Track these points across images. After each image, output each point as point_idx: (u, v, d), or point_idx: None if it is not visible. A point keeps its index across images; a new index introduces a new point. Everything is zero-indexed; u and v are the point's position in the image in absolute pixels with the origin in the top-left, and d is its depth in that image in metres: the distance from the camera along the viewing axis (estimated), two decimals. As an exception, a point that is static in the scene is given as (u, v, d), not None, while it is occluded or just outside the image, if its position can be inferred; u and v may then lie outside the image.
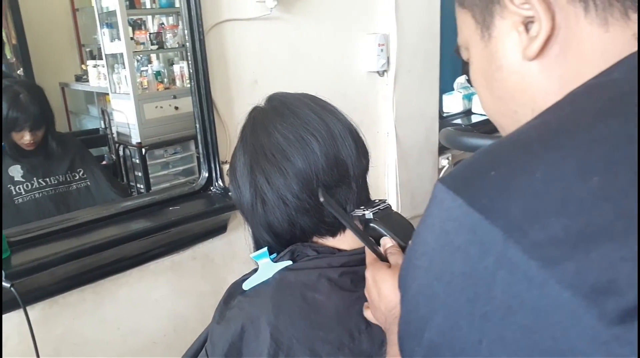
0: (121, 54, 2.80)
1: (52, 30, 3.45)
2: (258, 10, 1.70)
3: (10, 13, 3.06)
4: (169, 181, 2.81)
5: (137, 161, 2.72)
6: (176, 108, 2.87)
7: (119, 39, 2.79)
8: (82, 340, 1.49)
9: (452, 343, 0.36)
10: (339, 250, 0.77)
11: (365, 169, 0.79)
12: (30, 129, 1.86)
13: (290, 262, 0.76)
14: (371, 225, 0.73)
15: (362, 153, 0.78)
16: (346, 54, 2.06)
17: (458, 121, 2.61)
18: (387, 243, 0.67)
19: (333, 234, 0.78)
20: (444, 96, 2.65)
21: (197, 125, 1.61)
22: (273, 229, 0.77)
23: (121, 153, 2.78)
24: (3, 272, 1.08)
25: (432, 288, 0.38)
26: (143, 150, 2.69)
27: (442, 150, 2.45)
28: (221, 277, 1.79)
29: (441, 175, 2.48)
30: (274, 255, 0.79)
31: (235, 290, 0.78)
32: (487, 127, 2.62)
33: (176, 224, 1.52)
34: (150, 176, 2.69)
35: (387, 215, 0.71)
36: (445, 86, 2.63)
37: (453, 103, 2.69)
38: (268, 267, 0.76)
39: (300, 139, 0.74)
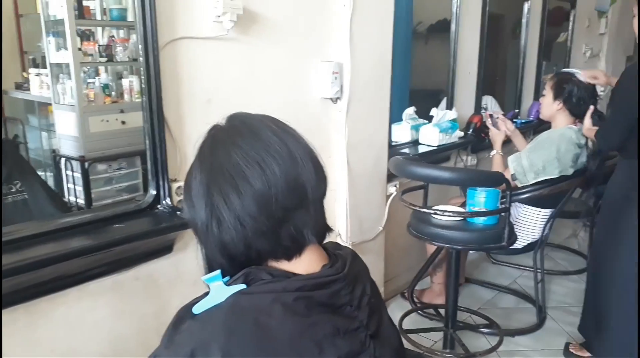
0: (67, 64, 2.71)
1: (-7, 35, 3.29)
2: (215, 30, 1.70)
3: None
4: (112, 198, 2.71)
5: (79, 175, 2.61)
6: (123, 122, 2.79)
7: (66, 48, 2.70)
8: (11, 364, 1.40)
9: None
10: (294, 274, 0.77)
11: (323, 193, 0.79)
12: (-37, 138, 1.76)
13: (244, 286, 0.74)
14: None
15: (321, 177, 0.79)
16: (301, 80, 2.08)
17: (406, 150, 2.69)
18: None
19: (289, 258, 0.77)
20: (393, 126, 2.73)
21: (147, 141, 1.57)
22: (228, 251, 0.76)
23: (62, 166, 2.67)
24: None
25: None
26: (86, 164, 2.59)
27: (390, 177, 2.51)
28: (165, 299, 1.73)
29: (389, 202, 2.53)
30: (227, 278, 0.77)
31: (185, 314, 0.76)
32: (433, 158, 2.71)
33: (120, 243, 1.47)
34: (92, 191, 2.59)
35: None
36: (394, 116, 2.71)
37: (401, 133, 2.77)
38: (220, 290, 0.75)
39: (261, 160, 0.73)
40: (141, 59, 1.51)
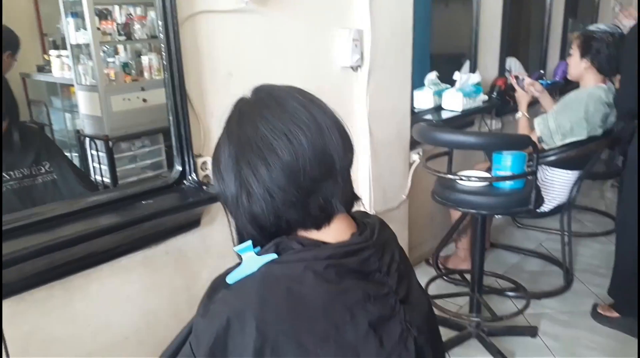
0: (87, 45, 2.72)
1: (13, 19, 3.32)
2: (233, 3, 1.69)
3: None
4: (136, 175, 2.75)
5: (104, 154, 2.65)
6: (144, 100, 2.81)
7: (85, 28, 2.70)
8: (51, 338, 1.45)
9: None
10: (324, 243, 0.77)
11: (350, 163, 0.79)
12: (-7, 120, 1.79)
13: (275, 255, 0.76)
14: None
15: (348, 147, 0.78)
16: (321, 49, 2.06)
17: (429, 116, 2.65)
18: None
19: (318, 227, 0.78)
20: (415, 92, 2.69)
21: (170, 117, 1.58)
22: (258, 222, 0.77)
23: (87, 146, 2.71)
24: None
25: None
26: (110, 143, 2.62)
27: (413, 145, 2.49)
28: (194, 272, 1.77)
29: (412, 170, 2.51)
30: (258, 248, 0.78)
31: (219, 284, 0.77)
32: (456, 123, 2.67)
33: (149, 218, 1.50)
34: (117, 169, 2.63)
35: None
36: (416, 83, 2.66)
37: (424, 99, 2.73)
38: (252, 260, 0.76)
39: (288, 131, 0.73)
40: (161, 35, 1.51)
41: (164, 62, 1.54)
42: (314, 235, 0.78)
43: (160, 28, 1.52)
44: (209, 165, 1.71)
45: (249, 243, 0.77)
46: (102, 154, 2.65)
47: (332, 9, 2.05)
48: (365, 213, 0.88)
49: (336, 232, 0.79)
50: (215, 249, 1.80)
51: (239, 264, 0.78)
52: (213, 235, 1.78)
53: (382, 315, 0.76)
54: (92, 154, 2.69)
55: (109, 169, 2.61)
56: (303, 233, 0.79)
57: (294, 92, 0.79)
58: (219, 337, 0.71)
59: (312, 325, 0.71)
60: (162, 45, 1.53)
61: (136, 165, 2.82)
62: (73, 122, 3.17)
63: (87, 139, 2.73)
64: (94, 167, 2.67)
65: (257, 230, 0.78)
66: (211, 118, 1.71)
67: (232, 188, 0.76)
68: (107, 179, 2.59)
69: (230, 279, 0.76)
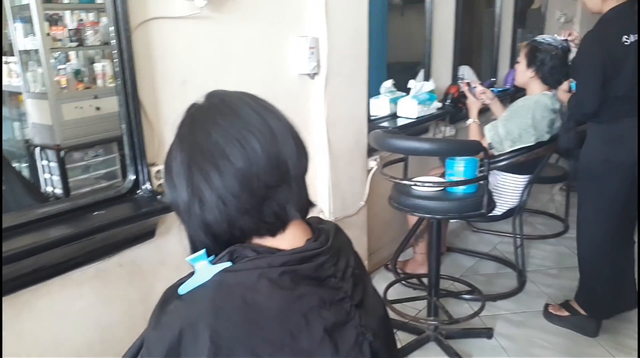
0: (36, 51, 2.64)
1: (-45, 23, 3.18)
2: (186, 9, 1.67)
3: None
4: (90, 185, 2.67)
5: (55, 164, 2.57)
6: (97, 108, 2.74)
7: (34, 34, 2.62)
8: (-3, 357, 1.39)
9: None
10: (279, 250, 0.77)
11: (305, 169, 0.80)
12: None
13: (229, 263, 0.75)
14: None
15: (302, 153, 0.79)
16: (277, 56, 2.06)
17: (385, 123, 2.69)
18: None
19: (273, 234, 0.78)
20: (371, 100, 2.73)
21: (123, 126, 1.55)
22: (211, 230, 0.76)
23: (36, 156, 2.62)
24: None
25: None
26: (61, 153, 2.54)
27: (370, 152, 2.52)
28: (149, 284, 1.73)
29: (369, 177, 2.54)
30: (212, 257, 0.77)
31: (171, 295, 0.76)
32: (411, 130, 2.72)
33: (101, 230, 1.46)
34: (69, 180, 2.55)
35: None
36: (373, 90, 2.70)
37: (380, 107, 2.77)
38: (205, 270, 0.75)
39: (242, 138, 0.73)
40: (113, 42, 1.48)
41: (116, 69, 1.52)
42: (268, 242, 0.78)
43: (112, 34, 1.49)
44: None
45: (202, 252, 0.76)
46: (54, 165, 2.57)
47: (287, 16, 2.06)
48: (320, 219, 0.88)
49: (291, 238, 0.79)
50: (171, 260, 1.77)
51: (191, 274, 0.77)
52: (168, 245, 1.75)
53: (337, 321, 0.76)
54: (42, 165, 2.60)
55: (60, 180, 2.53)
56: (257, 241, 0.78)
57: (247, 99, 0.78)
58: (171, 349, 0.70)
59: (266, 333, 0.71)
60: (114, 52, 1.50)
61: (89, 175, 2.75)
62: (22, 132, 3.05)
63: (37, 149, 2.64)
64: (45, 178, 2.58)
65: (210, 239, 0.77)
66: (165, 126, 1.69)
67: (184, 196, 0.75)
68: (59, 191, 2.51)
69: (183, 289, 0.75)
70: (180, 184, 0.75)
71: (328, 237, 0.81)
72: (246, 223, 0.75)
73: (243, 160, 0.72)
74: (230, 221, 0.75)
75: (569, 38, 2.44)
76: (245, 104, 0.77)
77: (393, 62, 3.48)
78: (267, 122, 0.75)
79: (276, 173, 0.74)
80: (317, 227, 0.83)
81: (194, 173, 0.74)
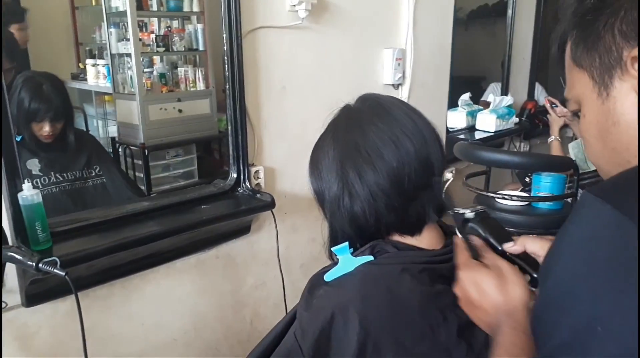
0: (127, 55, 2.81)
1: (50, 27, 3.42)
2: (290, 19, 1.76)
3: (11, 9, 3.04)
4: (169, 184, 2.81)
5: (139, 161, 2.71)
6: (180, 111, 2.88)
7: (127, 39, 2.79)
8: (108, 335, 1.50)
9: (593, 309, 0.44)
10: (418, 248, 0.82)
11: (443, 173, 0.84)
12: (51, 120, 1.84)
13: (371, 257, 0.80)
14: (470, 224, 0.78)
15: (444, 157, 0.83)
16: (365, 66, 2.12)
17: (462, 136, 2.70)
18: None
19: (412, 233, 0.82)
20: (449, 112, 2.75)
21: (229, 127, 1.64)
22: (357, 223, 0.81)
23: (121, 153, 2.77)
24: (58, 260, 1.09)
25: (576, 269, 0.48)
26: (146, 151, 2.68)
27: (446, 164, 2.53)
28: (241, 277, 1.82)
29: (445, 188, 2.55)
30: (351, 249, 0.83)
31: (317, 281, 0.81)
32: (489, 144, 2.72)
33: (207, 223, 1.55)
34: (151, 177, 2.69)
35: (484, 218, 0.76)
36: (450, 103, 2.72)
37: (457, 119, 2.78)
38: (349, 261, 0.80)
39: (396, 139, 0.78)
40: (225, 48, 1.58)
41: (226, 74, 1.61)
42: (407, 240, 0.83)
43: (225, 41, 1.58)
44: (262, 174, 1.76)
45: (346, 244, 0.82)
46: (137, 162, 2.71)
47: (378, 28, 2.12)
48: (447, 224, 0.92)
49: (428, 238, 0.83)
50: (261, 256, 1.85)
51: (334, 264, 0.82)
52: (260, 242, 1.83)
53: (469, 320, 0.80)
54: (126, 162, 2.75)
55: (144, 177, 2.67)
56: (398, 238, 0.83)
57: (398, 103, 0.84)
58: (323, 330, 0.75)
59: (409, 324, 0.75)
60: (225, 57, 1.60)
61: (169, 174, 2.89)
62: (105, 130, 3.24)
63: (122, 147, 2.79)
64: (128, 174, 2.73)
65: (355, 231, 0.82)
66: (264, 129, 1.77)
67: (334, 188, 0.80)
68: (142, 187, 2.65)
69: (329, 277, 0.80)
70: (331, 178, 0.81)
71: None
72: (392, 220, 0.80)
73: (396, 160, 0.77)
74: (378, 216, 0.79)
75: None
76: (398, 107, 0.82)
77: (456, 76, 3.48)
78: (418, 126, 0.80)
79: (424, 175, 0.79)
80: (449, 230, 0.87)
81: (347, 169, 0.79)
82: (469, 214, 0.76)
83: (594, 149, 0.58)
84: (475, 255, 0.71)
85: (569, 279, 0.48)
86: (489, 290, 0.67)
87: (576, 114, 0.59)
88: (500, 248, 0.72)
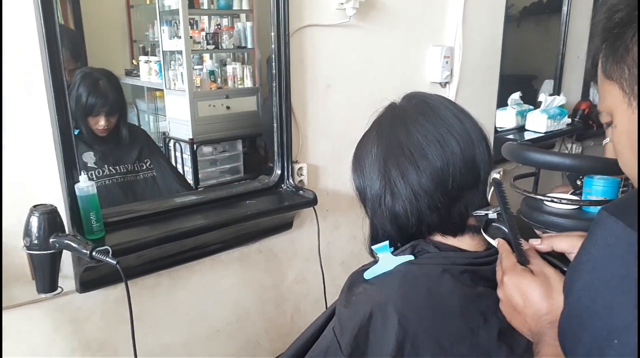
0: (178, 52, 2.89)
1: (107, 25, 3.56)
2: (337, 18, 1.76)
3: (70, 5, 3.17)
4: (215, 178, 2.87)
5: (188, 156, 2.78)
6: (227, 108, 2.94)
7: (178, 37, 2.87)
8: (154, 322, 1.55)
9: (609, 324, 0.47)
10: (461, 250, 0.81)
11: (489, 174, 0.83)
12: (106, 114, 1.92)
13: (411, 257, 0.80)
14: (493, 224, 0.77)
15: (491, 159, 0.82)
16: (412, 64, 2.11)
17: (511, 136, 2.64)
18: (534, 242, 0.71)
19: (455, 234, 0.82)
20: (498, 111, 2.68)
21: (275, 124, 1.67)
22: (398, 222, 0.81)
23: (171, 147, 2.86)
24: (110, 249, 1.14)
25: (593, 284, 0.51)
26: (195, 146, 2.75)
27: (494, 164, 2.48)
28: (282, 272, 1.84)
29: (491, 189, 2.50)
30: (392, 248, 0.83)
31: (357, 279, 0.82)
32: (539, 144, 2.64)
33: (252, 217, 1.58)
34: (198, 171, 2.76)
35: (510, 216, 0.74)
36: (499, 102, 2.66)
37: (506, 119, 2.72)
38: (389, 260, 0.80)
39: (441, 139, 0.77)
40: (273, 46, 1.60)
41: (274, 72, 1.63)
42: (449, 241, 0.82)
43: (273, 39, 1.61)
44: (305, 171, 1.78)
45: (386, 243, 0.82)
46: (186, 156, 2.79)
47: (426, 26, 2.10)
48: None
49: (470, 241, 0.82)
50: (301, 252, 1.87)
51: (374, 262, 0.83)
52: (301, 238, 1.85)
53: (510, 325, 0.79)
54: (175, 156, 2.84)
55: (192, 171, 2.74)
56: (440, 238, 0.82)
57: (445, 102, 0.83)
58: (362, 327, 0.76)
59: (449, 324, 0.75)
60: (273, 55, 1.62)
61: (216, 169, 2.95)
62: (156, 125, 3.34)
63: (172, 141, 2.88)
64: (177, 168, 2.81)
65: (395, 230, 0.82)
66: (308, 127, 1.79)
67: (376, 187, 0.81)
68: (190, 181, 2.73)
69: (368, 275, 0.81)
70: (373, 175, 0.81)
71: None
72: (434, 220, 0.80)
73: (441, 160, 0.76)
74: (420, 216, 0.79)
75: None
76: (445, 107, 0.81)
77: (506, 75, 3.39)
78: (465, 126, 0.79)
79: (470, 176, 0.78)
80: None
81: (389, 167, 0.79)
82: (491, 214, 0.75)
83: (626, 159, 0.58)
84: (522, 260, 0.70)
85: (587, 296, 0.51)
86: (534, 298, 0.66)
87: (609, 126, 0.60)
88: (520, 245, 0.70)
